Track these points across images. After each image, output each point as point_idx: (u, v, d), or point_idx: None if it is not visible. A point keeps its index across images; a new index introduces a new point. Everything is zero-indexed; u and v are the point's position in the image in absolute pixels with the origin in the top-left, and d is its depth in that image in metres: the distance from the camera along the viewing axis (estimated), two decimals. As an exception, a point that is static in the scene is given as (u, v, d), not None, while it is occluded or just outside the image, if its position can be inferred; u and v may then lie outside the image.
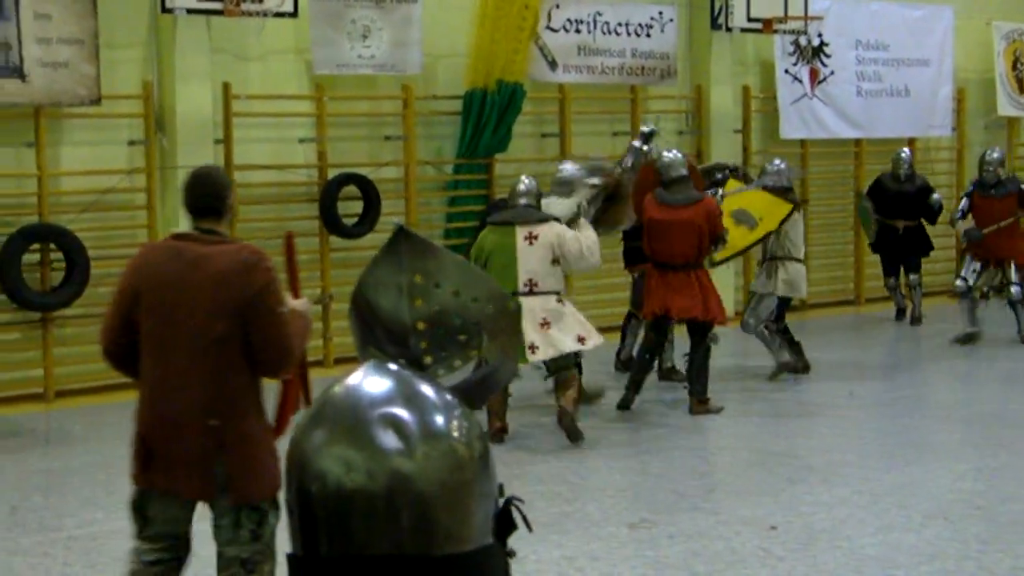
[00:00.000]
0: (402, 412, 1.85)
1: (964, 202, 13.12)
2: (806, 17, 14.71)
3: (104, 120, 11.28)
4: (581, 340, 9.03)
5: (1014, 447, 9.06)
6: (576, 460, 8.82)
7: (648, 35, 14.21)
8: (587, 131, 14.01)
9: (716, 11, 14.51)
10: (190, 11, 11.16)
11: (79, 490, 8.28)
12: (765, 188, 11.03)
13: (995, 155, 13.12)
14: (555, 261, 9.06)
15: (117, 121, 11.39)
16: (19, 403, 10.67)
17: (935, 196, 14.27)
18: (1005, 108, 17.31)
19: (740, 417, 10.09)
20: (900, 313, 14.60)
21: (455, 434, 1.87)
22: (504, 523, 1.97)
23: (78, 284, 10.81)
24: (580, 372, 9.45)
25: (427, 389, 1.92)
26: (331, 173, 12.27)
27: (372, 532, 1.81)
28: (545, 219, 9.19)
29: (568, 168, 10.39)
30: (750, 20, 14.41)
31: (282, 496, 2.19)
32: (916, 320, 14.29)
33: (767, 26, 14.51)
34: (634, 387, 10.15)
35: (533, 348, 8.82)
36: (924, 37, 16.52)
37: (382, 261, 2.51)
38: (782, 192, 11.08)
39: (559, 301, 9.08)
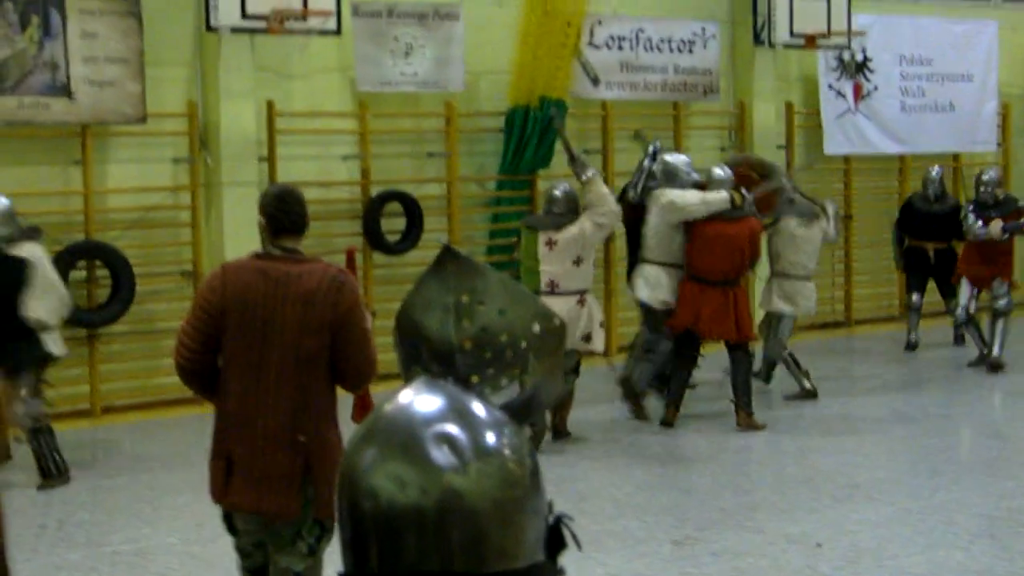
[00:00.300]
0: (455, 429, 1.85)
1: (973, 216, 12.73)
2: (849, 32, 14.65)
3: (149, 138, 11.38)
4: (586, 338, 9.49)
5: (1062, 465, 8.98)
6: (618, 477, 8.80)
7: (691, 51, 14.20)
8: (629, 147, 13.98)
9: (759, 27, 14.49)
10: (234, 30, 11.24)
11: (125, 506, 8.33)
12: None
13: (991, 175, 12.82)
14: (577, 261, 9.49)
15: (162, 139, 11.49)
16: (66, 419, 10.75)
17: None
18: (1050, 123, 17.20)
19: (783, 434, 10.04)
20: (911, 346, 13.65)
21: (507, 451, 1.87)
22: (555, 540, 1.97)
23: (124, 301, 10.90)
24: (577, 375, 9.74)
25: (478, 407, 1.92)
26: (374, 190, 12.32)
27: (424, 549, 1.81)
28: (564, 224, 9.58)
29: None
30: (793, 36, 14.37)
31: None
32: (960, 339, 13.66)
33: (810, 42, 14.46)
34: (674, 405, 10.14)
35: None
36: (968, 52, 16.42)
37: (428, 281, 2.52)
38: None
39: (580, 303, 9.47)
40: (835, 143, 15.27)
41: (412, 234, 12.37)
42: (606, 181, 13.54)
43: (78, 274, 10.83)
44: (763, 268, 11.42)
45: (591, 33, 13.53)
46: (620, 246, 12.21)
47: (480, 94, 13.16)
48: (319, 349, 4.75)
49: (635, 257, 10.56)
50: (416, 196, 12.42)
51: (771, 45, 14.44)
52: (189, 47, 11.61)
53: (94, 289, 10.99)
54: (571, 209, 9.71)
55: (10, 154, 10.79)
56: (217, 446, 4.87)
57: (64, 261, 10.62)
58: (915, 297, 13.72)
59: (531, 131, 12.98)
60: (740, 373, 10.09)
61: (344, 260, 5.94)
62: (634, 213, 10.46)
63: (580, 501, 8.04)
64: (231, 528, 4.93)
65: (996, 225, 12.54)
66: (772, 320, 11.21)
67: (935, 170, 13.75)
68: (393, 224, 12.34)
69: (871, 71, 15.56)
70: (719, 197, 10.08)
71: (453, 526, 1.79)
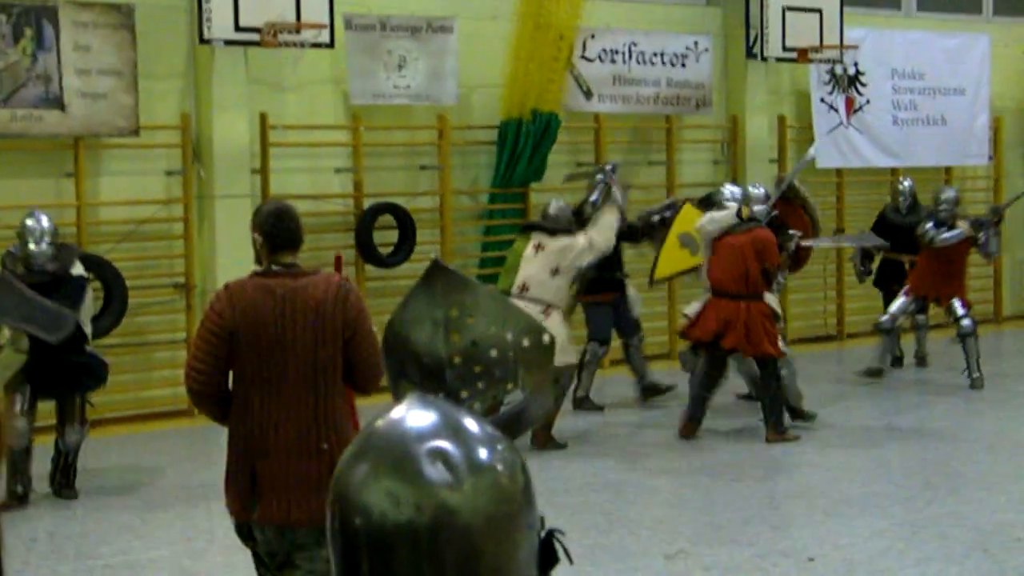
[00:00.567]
0: (448, 445, 1.84)
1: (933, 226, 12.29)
2: (841, 46, 14.69)
3: (142, 150, 11.38)
4: None
5: (1055, 479, 8.98)
6: (611, 491, 8.79)
7: (683, 65, 14.23)
8: (622, 160, 14.01)
9: (751, 41, 14.51)
10: (228, 42, 11.25)
11: (116, 518, 8.31)
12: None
13: (950, 194, 12.76)
14: (554, 272, 9.61)
15: (155, 151, 11.48)
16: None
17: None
18: (1043, 137, 17.25)
19: (775, 448, 10.03)
20: (897, 360, 13.41)
21: (500, 467, 1.86)
22: (547, 555, 1.97)
23: (116, 313, 10.87)
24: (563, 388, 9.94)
25: (470, 422, 1.92)
26: (367, 202, 12.32)
27: (417, 566, 1.81)
28: (558, 232, 9.78)
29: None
30: (785, 49, 14.40)
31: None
32: (922, 361, 13.51)
33: (802, 55, 14.50)
34: (695, 420, 10.19)
35: None
36: (960, 66, 16.46)
37: (417, 295, 2.52)
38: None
39: (544, 312, 9.47)
40: (827, 157, 15.29)
41: (405, 247, 12.37)
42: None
43: (70, 286, 10.80)
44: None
45: (584, 46, 13.56)
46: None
47: (473, 107, 13.17)
48: (333, 357, 4.89)
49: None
50: (409, 209, 12.42)
51: (763, 59, 14.47)
52: (182, 59, 11.61)
53: (86, 301, 10.96)
54: (565, 225, 9.91)
55: (3, 166, 10.78)
56: (237, 464, 4.94)
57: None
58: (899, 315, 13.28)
59: (524, 144, 12.99)
60: (761, 389, 10.15)
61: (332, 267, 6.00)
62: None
63: (572, 515, 8.03)
64: (248, 536, 4.96)
65: (965, 223, 12.33)
66: None
67: (906, 182, 13.56)
68: (386, 237, 12.34)
69: (863, 85, 15.59)
70: (726, 213, 10.17)
71: (447, 543, 1.79)
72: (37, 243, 8.48)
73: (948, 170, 16.68)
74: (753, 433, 10.32)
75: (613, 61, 13.78)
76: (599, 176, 10.73)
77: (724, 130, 14.86)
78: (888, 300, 13.22)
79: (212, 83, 11.48)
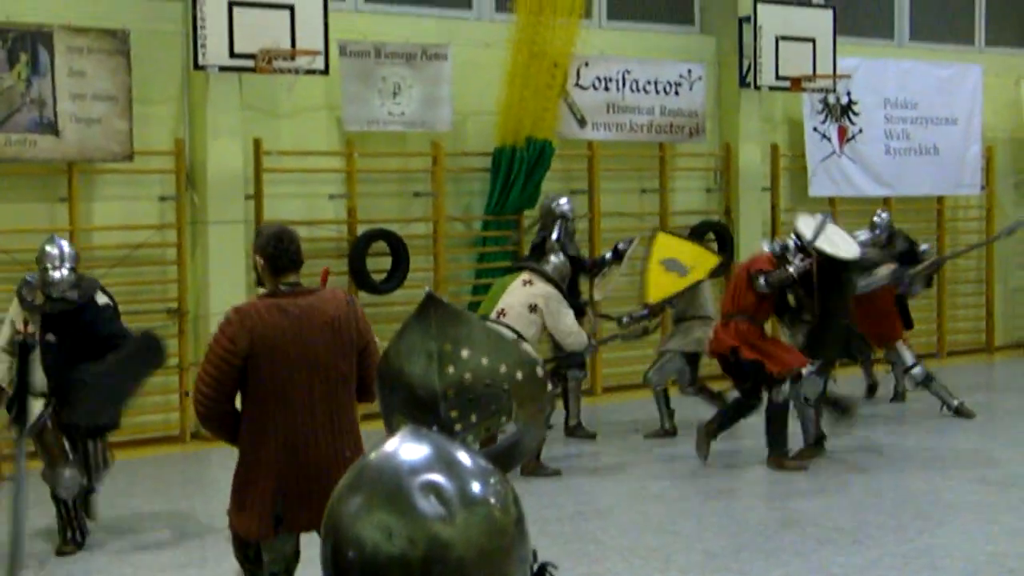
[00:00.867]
0: (441, 478, 1.85)
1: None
2: (834, 76, 14.75)
3: (136, 176, 11.38)
4: None
5: (1047, 509, 8.97)
6: (604, 520, 8.78)
7: (677, 93, 14.27)
8: (616, 188, 14.06)
9: (744, 69, 14.56)
10: (222, 68, 11.27)
11: (107, 544, 8.26)
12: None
13: (884, 217, 12.74)
14: (533, 309, 9.72)
15: (149, 177, 11.48)
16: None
17: (923, 247, 13.25)
18: (1035, 167, 17.30)
19: (767, 476, 10.02)
20: (871, 389, 13.27)
21: (493, 500, 1.87)
22: (539, 589, 1.97)
23: (108, 338, 10.82)
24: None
25: (463, 455, 1.92)
26: (360, 229, 12.33)
27: (410, 598, 1.81)
28: (549, 280, 9.88)
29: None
30: (778, 78, 14.45)
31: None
32: (899, 397, 13.13)
33: (795, 84, 14.55)
34: (712, 436, 10.24)
35: None
36: (952, 96, 16.53)
37: (411, 328, 2.52)
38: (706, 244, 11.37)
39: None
40: (820, 185, 15.35)
41: (398, 273, 12.37)
42: (591, 222, 13.64)
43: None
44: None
45: (578, 74, 13.60)
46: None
47: (467, 134, 13.19)
48: (350, 369, 5.11)
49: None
50: (402, 235, 12.43)
51: (757, 87, 14.52)
52: (177, 85, 11.63)
53: (78, 326, 10.93)
54: (558, 280, 9.99)
55: (-4, 191, 10.78)
56: (260, 484, 5.02)
57: (49, 298, 10.59)
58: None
59: (518, 171, 13.01)
60: (767, 415, 10.20)
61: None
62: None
63: (565, 543, 8.01)
64: (255, 560, 5.06)
65: (885, 268, 12.15)
66: (667, 356, 11.50)
67: (884, 215, 13.26)
68: (379, 263, 12.34)
69: (856, 114, 15.65)
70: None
71: (440, 576, 1.79)
72: (57, 269, 7.95)
73: (940, 199, 16.74)
74: (746, 460, 10.31)
75: (607, 89, 13.83)
76: (556, 209, 11.49)
77: (717, 158, 14.90)
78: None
79: (206, 109, 11.50)
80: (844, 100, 15.50)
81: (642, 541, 8.35)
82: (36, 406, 7.81)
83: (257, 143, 11.78)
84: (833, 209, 15.70)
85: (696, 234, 14.46)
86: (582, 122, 13.70)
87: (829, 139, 15.42)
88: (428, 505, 1.81)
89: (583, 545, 8.09)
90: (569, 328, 9.89)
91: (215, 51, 11.11)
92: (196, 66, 11.24)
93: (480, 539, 1.82)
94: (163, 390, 11.25)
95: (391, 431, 2.20)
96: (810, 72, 14.52)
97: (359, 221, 12.38)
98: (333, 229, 12.35)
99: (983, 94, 16.75)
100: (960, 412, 12.23)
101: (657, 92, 14.17)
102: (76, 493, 8.06)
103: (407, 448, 1.90)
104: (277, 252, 5.14)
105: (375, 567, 1.81)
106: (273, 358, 4.97)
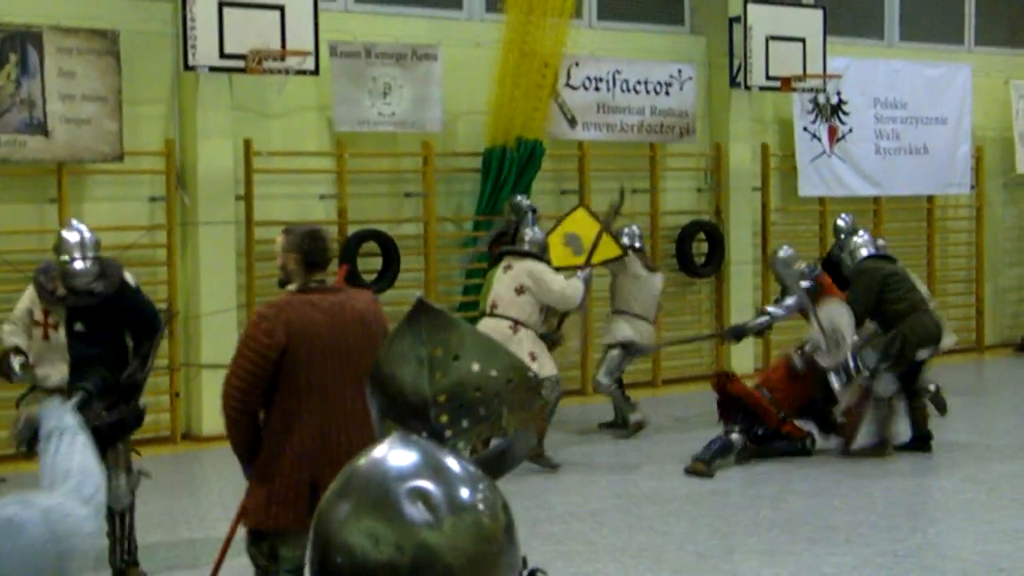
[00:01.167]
0: (429, 484, 1.84)
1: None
2: (824, 75, 14.76)
3: (126, 176, 11.36)
4: (532, 357, 9.62)
5: (1037, 508, 8.99)
6: (595, 520, 8.78)
7: (667, 93, 14.28)
8: (606, 188, 14.03)
9: (735, 69, 14.57)
10: (212, 69, 11.25)
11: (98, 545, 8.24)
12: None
13: (847, 220, 12.72)
14: (520, 291, 9.80)
15: (139, 177, 11.47)
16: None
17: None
18: (1024, 166, 17.33)
19: (760, 476, 10.04)
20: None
21: (481, 506, 1.86)
22: (529, 595, 1.97)
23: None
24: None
25: (452, 462, 1.92)
26: (351, 229, 12.32)
27: (398, 605, 1.80)
28: (526, 255, 10.03)
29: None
30: (768, 78, 14.46)
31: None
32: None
33: (785, 84, 14.56)
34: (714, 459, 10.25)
35: None
36: (942, 95, 16.56)
37: (402, 334, 2.52)
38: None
39: (512, 328, 9.73)
40: (810, 185, 15.37)
41: (389, 274, 12.37)
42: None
43: (52, 312, 10.75)
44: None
45: (568, 74, 13.60)
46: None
47: (457, 134, 13.19)
48: None
49: None
50: (393, 236, 12.42)
51: (747, 87, 14.52)
52: (167, 86, 11.61)
53: (68, 328, 10.91)
54: (536, 251, 10.09)
55: (-15, 192, 10.76)
56: (293, 475, 5.09)
57: (39, 299, 10.56)
58: None
59: (508, 171, 13.01)
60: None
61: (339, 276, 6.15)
62: None
63: (556, 543, 8.01)
64: (270, 554, 5.15)
65: (793, 299, 11.22)
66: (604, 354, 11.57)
67: (848, 218, 12.98)
68: (370, 263, 12.33)
69: (846, 114, 15.67)
70: None
71: (428, 583, 1.79)
72: (81, 259, 7.22)
73: (930, 199, 16.77)
74: (737, 460, 10.30)
75: (597, 89, 13.83)
76: (523, 203, 11.79)
77: (708, 158, 14.91)
78: None
79: (196, 109, 11.48)
80: (834, 100, 15.52)
81: (634, 541, 8.35)
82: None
83: (247, 144, 11.77)
84: (823, 208, 15.74)
85: (687, 234, 14.49)
86: (572, 122, 13.70)
87: (819, 139, 15.44)
88: (416, 511, 1.80)
89: (574, 546, 8.09)
90: (560, 288, 9.90)
91: (205, 52, 11.09)
92: (186, 67, 11.22)
93: (468, 546, 1.81)
94: (154, 391, 11.22)
95: (381, 436, 2.20)
96: (800, 72, 14.54)
97: (350, 221, 12.37)
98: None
99: (973, 94, 16.78)
100: (936, 403, 12.13)
101: (647, 92, 14.18)
102: (128, 504, 7.37)
103: (395, 454, 1.90)
104: (313, 249, 5.34)
105: (363, 574, 1.80)
106: (310, 350, 5.11)
